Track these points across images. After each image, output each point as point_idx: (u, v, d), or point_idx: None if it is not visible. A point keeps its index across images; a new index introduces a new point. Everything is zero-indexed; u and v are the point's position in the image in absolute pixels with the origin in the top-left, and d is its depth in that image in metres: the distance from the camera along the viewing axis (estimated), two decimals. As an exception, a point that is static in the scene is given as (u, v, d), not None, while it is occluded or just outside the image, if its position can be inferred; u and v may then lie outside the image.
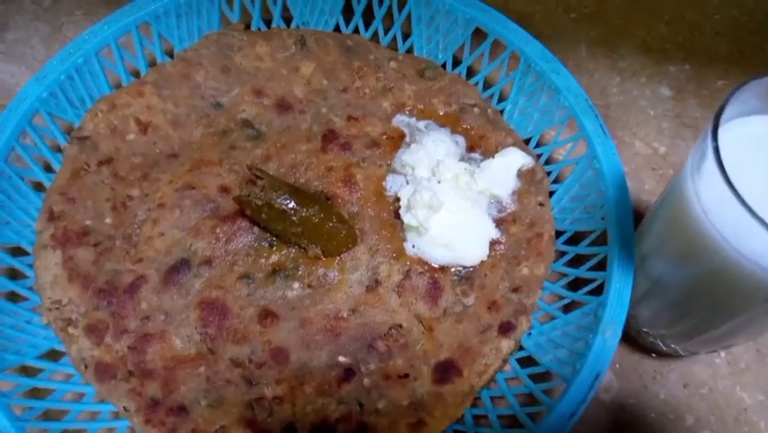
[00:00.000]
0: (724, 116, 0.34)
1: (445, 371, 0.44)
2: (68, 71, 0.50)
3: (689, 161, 0.36)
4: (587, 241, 0.46)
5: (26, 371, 0.42)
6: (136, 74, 0.54)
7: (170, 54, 0.55)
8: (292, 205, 0.46)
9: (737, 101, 0.34)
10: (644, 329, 0.45)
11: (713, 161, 0.32)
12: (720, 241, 0.34)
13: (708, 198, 0.34)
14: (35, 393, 0.41)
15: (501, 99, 0.54)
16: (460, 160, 0.51)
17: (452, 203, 0.47)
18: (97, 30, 0.51)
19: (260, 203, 0.46)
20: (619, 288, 0.41)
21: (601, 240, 0.45)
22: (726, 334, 0.41)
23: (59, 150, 0.50)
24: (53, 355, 0.44)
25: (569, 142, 0.50)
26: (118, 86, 0.53)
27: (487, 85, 0.55)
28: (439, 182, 0.49)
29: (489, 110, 0.54)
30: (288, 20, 0.58)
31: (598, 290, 0.43)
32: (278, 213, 0.46)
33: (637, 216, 0.46)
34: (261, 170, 0.47)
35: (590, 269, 0.45)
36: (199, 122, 0.53)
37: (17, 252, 0.46)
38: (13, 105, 0.47)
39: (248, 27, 0.57)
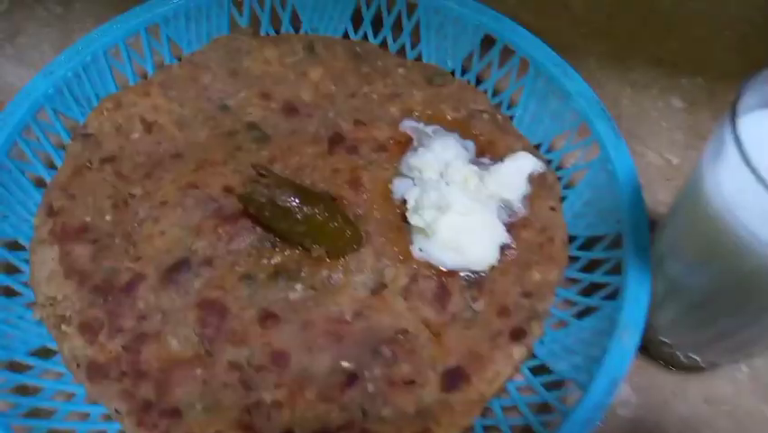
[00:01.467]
0: (742, 106, 0.33)
1: (453, 378, 0.42)
2: (75, 69, 0.50)
3: (705, 155, 0.35)
4: (601, 246, 0.45)
5: (15, 367, 0.40)
6: (143, 76, 0.54)
7: (179, 58, 0.55)
8: (296, 203, 0.44)
9: (755, 90, 0.33)
10: (663, 338, 0.43)
11: (733, 146, 0.31)
12: (744, 235, 0.32)
13: (730, 188, 0.33)
14: (23, 390, 0.40)
15: (510, 106, 0.54)
16: (469, 163, 0.50)
17: (460, 205, 0.46)
18: (106, 29, 0.51)
19: (263, 200, 0.44)
20: (636, 289, 0.39)
21: (616, 244, 0.44)
22: (750, 340, 0.39)
23: (62, 147, 0.50)
24: (44, 353, 0.42)
25: (581, 146, 0.48)
26: (125, 86, 0.53)
27: (495, 92, 0.55)
28: (447, 184, 0.47)
29: (499, 116, 0.53)
30: (296, 26, 0.58)
31: (614, 296, 0.41)
32: (282, 211, 0.44)
33: (651, 227, 0.44)
34: (266, 167, 0.46)
35: (605, 273, 0.43)
36: (205, 123, 0.53)
37: (13, 246, 0.45)
38: (18, 99, 0.47)
39: (257, 32, 0.57)
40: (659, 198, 0.54)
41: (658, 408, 0.45)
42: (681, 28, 0.65)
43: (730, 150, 0.31)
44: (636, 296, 0.39)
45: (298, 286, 0.45)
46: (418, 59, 0.57)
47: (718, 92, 0.60)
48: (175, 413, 0.40)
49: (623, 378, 0.37)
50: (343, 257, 0.46)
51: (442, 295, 0.45)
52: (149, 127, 0.52)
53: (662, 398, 0.45)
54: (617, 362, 0.37)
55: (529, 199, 0.48)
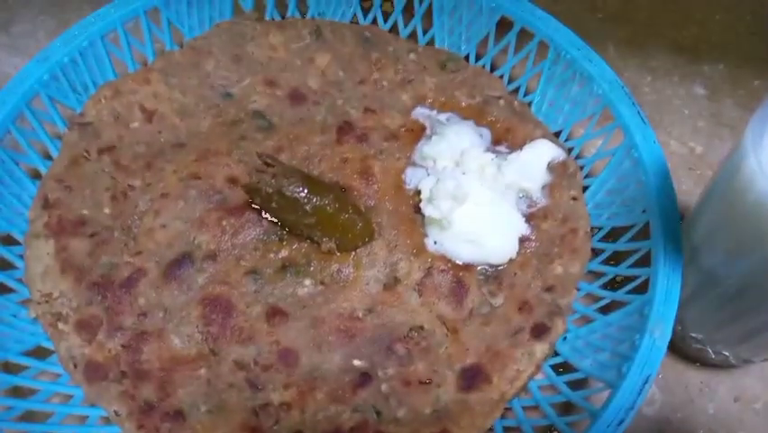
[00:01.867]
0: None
1: (472, 377, 0.39)
2: (72, 54, 0.47)
3: (748, 134, 0.32)
4: (627, 236, 0.42)
5: (8, 368, 0.38)
6: (143, 62, 0.52)
7: (180, 44, 0.53)
8: (305, 193, 0.42)
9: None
10: (692, 334, 0.41)
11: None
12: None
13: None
14: (17, 392, 0.37)
15: (527, 93, 0.51)
16: (485, 151, 0.47)
17: (478, 195, 0.44)
18: (104, 13, 0.49)
19: (270, 191, 0.42)
20: (667, 282, 0.37)
21: (643, 235, 0.41)
22: (789, 336, 0.36)
23: (58, 136, 0.47)
24: (40, 353, 0.40)
25: (604, 132, 0.46)
26: (124, 73, 0.51)
27: (511, 79, 0.52)
28: (463, 173, 0.45)
29: (516, 102, 0.51)
30: (303, 11, 0.56)
31: (642, 289, 0.39)
32: (290, 202, 0.42)
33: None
34: (272, 156, 0.44)
35: (632, 266, 0.41)
36: (208, 112, 0.50)
37: (7, 241, 0.43)
38: (11, 85, 0.45)
39: (261, 17, 0.55)
40: (683, 187, 0.52)
41: (685, 405, 0.43)
42: (702, 12, 0.62)
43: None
44: (668, 289, 0.37)
45: (307, 281, 0.43)
46: (431, 44, 0.54)
47: (741, 78, 0.58)
48: (177, 415, 0.38)
49: (654, 376, 0.35)
50: (354, 250, 0.44)
51: (458, 290, 0.43)
52: (149, 116, 0.49)
53: (689, 396, 0.43)
54: (649, 360, 0.35)
55: (549, 189, 0.46)
